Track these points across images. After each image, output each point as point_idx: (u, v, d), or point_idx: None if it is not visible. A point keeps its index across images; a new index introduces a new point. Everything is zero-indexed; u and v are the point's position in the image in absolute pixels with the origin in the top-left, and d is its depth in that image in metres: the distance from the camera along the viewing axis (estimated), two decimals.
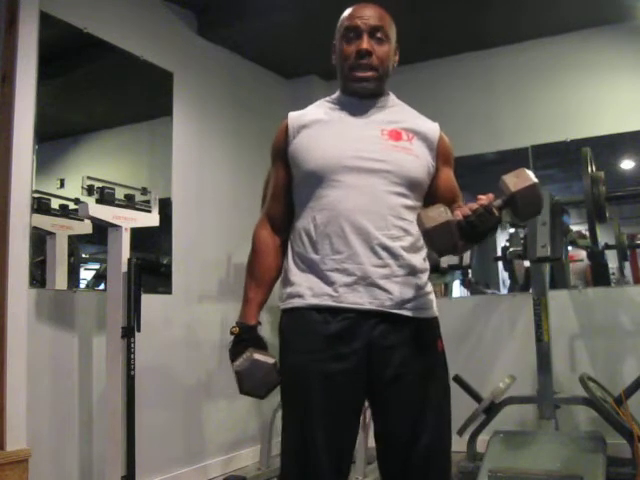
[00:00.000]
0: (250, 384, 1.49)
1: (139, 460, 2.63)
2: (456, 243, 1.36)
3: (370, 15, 1.53)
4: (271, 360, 1.50)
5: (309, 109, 1.61)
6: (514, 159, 4.09)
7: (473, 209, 1.35)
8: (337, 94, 1.61)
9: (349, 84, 1.55)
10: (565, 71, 4.00)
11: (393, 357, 1.45)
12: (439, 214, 1.34)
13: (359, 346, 1.44)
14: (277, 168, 1.60)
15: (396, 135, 1.53)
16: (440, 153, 1.58)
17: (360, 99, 1.56)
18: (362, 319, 1.44)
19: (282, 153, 1.57)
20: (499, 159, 4.13)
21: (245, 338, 1.53)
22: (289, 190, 1.59)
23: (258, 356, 1.49)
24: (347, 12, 1.57)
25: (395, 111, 1.59)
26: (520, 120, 4.08)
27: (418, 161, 1.53)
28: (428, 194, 1.57)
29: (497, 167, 4.21)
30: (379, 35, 1.53)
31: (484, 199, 1.36)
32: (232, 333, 1.54)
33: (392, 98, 1.62)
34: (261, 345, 1.53)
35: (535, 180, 1.35)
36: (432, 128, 1.59)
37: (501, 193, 1.37)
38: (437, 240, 1.35)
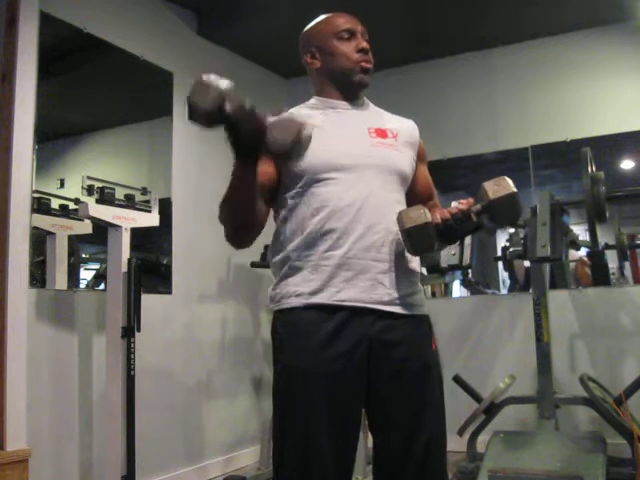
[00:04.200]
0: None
1: (139, 460, 2.63)
2: (433, 244, 1.42)
3: (356, 20, 1.62)
4: None
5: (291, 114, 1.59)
6: (514, 159, 4.09)
7: (452, 213, 1.41)
8: (313, 100, 1.63)
9: (351, 77, 1.57)
10: (565, 71, 4.00)
11: (393, 353, 1.46)
12: (419, 215, 1.39)
13: (359, 343, 1.44)
14: (262, 162, 1.49)
15: (382, 133, 1.58)
16: (419, 151, 1.65)
17: (342, 100, 1.60)
18: (361, 316, 1.45)
19: (268, 156, 1.50)
20: (499, 159, 4.13)
21: None
22: (273, 183, 1.52)
23: None
24: (334, 18, 1.61)
25: (374, 111, 1.66)
26: (520, 120, 4.08)
27: (405, 157, 1.59)
28: (408, 190, 1.62)
29: (497, 167, 4.21)
30: (367, 37, 1.61)
31: (464, 204, 1.42)
32: None
33: (367, 101, 1.67)
34: None
35: (514, 189, 1.39)
36: (412, 126, 1.67)
37: (480, 198, 1.42)
38: (415, 240, 1.41)
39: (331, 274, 1.45)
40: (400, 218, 1.42)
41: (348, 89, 1.60)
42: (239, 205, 1.41)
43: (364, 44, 1.57)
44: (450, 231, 1.41)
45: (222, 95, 1.26)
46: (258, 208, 1.45)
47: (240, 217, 1.44)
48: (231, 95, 1.27)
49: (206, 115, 1.25)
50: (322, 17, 1.64)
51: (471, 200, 1.43)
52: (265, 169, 1.50)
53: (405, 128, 1.64)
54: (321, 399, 1.41)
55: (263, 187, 1.50)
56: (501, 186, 1.40)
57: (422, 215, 1.39)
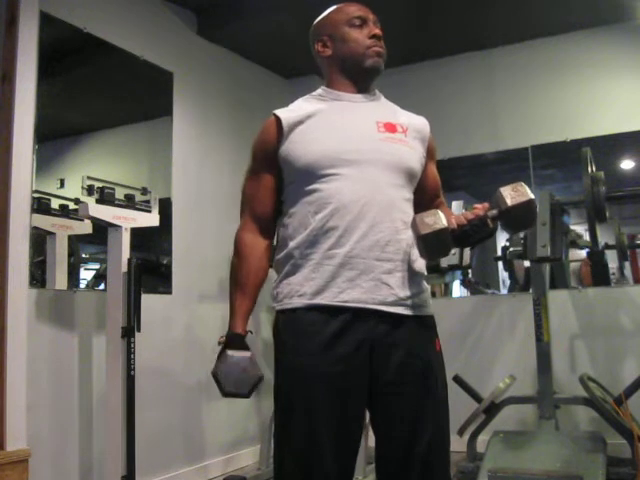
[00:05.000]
0: (230, 383, 1.44)
1: (139, 460, 2.63)
2: (448, 250, 1.40)
3: (368, 9, 1.60)
4: (247, 354, 1.46)
5: (297, 105, 1.58)
6: (514, 159, 4.09)
7: (469, 219, 1.38)
8: (320, 90, 1.61)
9: (363, 63, 1.55)
10: (565, 71, 3.99)
11: (395, 355, 1.44)
12: (435, 221, 1.35)
13: (361, 345, 1.42)
14: (263, 168, 1.54)
15: (391, 127, 1.54)
16: (429, 147, 1.62)
17: (352, 92, 1.58)
18: (363, 317, 1.43)
19: (271, 152, 1.52)
20: (499, 159, 4.13)
21: (232, 348, 1.48)
22: (276, 191, 1.55)
23: (232, 352, 1.45)
24: (346, 6, 1.60)
25: (385, 105, 1.63)
26: (520, 120, 4.08)
27: (414, 153, 1.55)
28: (416, 187, 1.59)
29: (497, 167, 4.21)
30: (379, 26, 1.59)
31: (480, 209, 1.39)
32: (220, 343, 1.50)
33: (379, 94, 1.64)
34: (242, 348, 1.48)
35: (532, 196, 1.37)
36: (423, 122, 1.63)
37: (495, 204, 1.39)
38: (431, 246, 1.37)
39: (333, 273, 1.43)
40: (415, 224, 1.38)
41: (360, 76, 1.57)
42: None
43: (376, 31, 1.56)
44: (465, 237, 1.39)
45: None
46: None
47: None
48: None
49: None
50: (333, 7, 1.62)
51: (486, 205, 1.39)
52: (265, 192, 1.55)
53: (416, 124, 1.60)
54: (322, 400, 1.41)
55: (271, 193, 1.54)
56: (519, 192, 1.37)
57: (438, 221, 1.35)
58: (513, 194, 1.36)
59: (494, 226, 1.39)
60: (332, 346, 1.41)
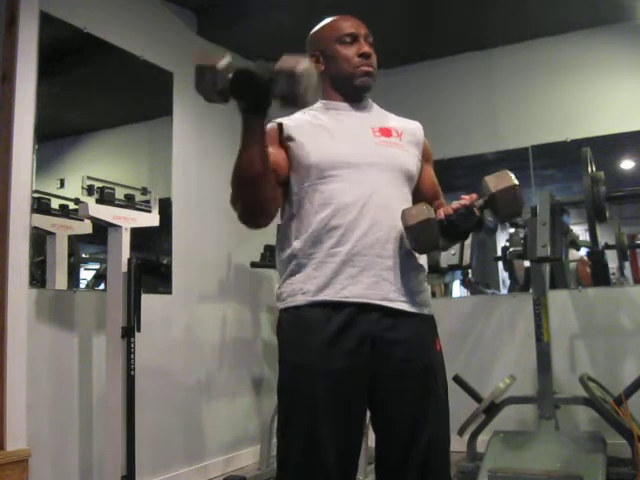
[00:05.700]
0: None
1: (139, 460, 2.63)
2: (436, 241, 1.42)
3: (360, 23, 1.63)
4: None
5: (295, 116, 1.61)
6: (514, 159, 4.09)
7: (454, 208, 1.42)
8: (318, 103, 1.64)
9: (352, 82, 1.59)
10: (565, 71, 4.00)
11: (396, 352, 1.46)
12: (421, 212, 1.40)
13: (363, 341, 1.44)
14: (272, 148, 1.50)
15: (386, 132, 1.59)
16: (424, 151, 1.67)
17: (347, 103, 1.61)
18: (365, 313, 1.45)
19: (278, 139, 1.53)
20: (499, 159, 4.13)
21: None
22: (284, 172, 1.52)
23: None
24: (338, 22, 1.63)
25: (378, 113, 1.67)
26: (520, 120, 4.09)
27: (409, 156, 1.60)
28: (414, 190, 1.62)
29: (497, 167, 4.18)
30: (370, 41, 1.62)
31: (466, 199, 1.43)
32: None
33: (372, 103, 1.68)
34: None
35: (515, 182, 1.41)
36: (417, 127, 1.68)
37: (482, 193, 1.43)
38: (418, 237, 1.41)
39: (336, 271, 1.46)
40: (403, 215, 1.43)
41: (350, 92, 1.61)
42: (250, 174, 1.38)
43: (365, 48, 1.58)
44: (453, 227, 1.41)
45: (221, 77, 1.30)
46: (271, 182, 1.43)
47: (252, 188, 1.40)
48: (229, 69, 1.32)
49: (217, 98, 1.31)
50: (327, 20, 1.65)
51: (474, 195, 1.43)
52: (276, 157, 1.50)
53: (409, 128, 1.65)
54: (325, 396, 1.42)
55: (274, 171, 1.47)
56: (502, 179, 1.41)
57: (424, 211, 1.40)
58: (497, 181, 1.41)
59: (481, 215, 1.42)
60: (335, 343, 1.43)
